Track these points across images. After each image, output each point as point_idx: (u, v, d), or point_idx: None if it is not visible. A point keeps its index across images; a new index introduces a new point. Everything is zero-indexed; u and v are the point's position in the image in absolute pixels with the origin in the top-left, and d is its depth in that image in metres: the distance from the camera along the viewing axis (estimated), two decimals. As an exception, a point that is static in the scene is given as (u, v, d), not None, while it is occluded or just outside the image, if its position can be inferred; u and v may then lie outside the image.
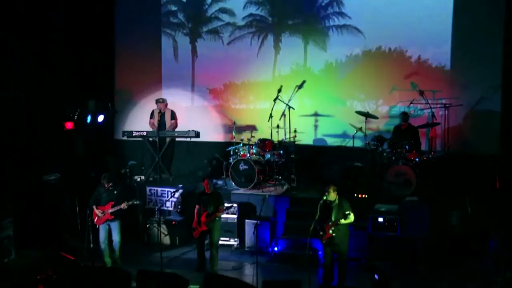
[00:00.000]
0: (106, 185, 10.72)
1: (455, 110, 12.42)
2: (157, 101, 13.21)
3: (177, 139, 13.26)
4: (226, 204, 11.66)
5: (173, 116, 13.23)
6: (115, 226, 10.75)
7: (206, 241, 10.92)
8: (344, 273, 9.89)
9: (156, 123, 13.20)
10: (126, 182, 12.78)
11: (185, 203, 12.15)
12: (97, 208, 10.68)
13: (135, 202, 10.65)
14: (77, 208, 12.05)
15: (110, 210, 10.62)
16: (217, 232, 10.77)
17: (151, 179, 13.14)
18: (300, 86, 13.41)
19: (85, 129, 13.23)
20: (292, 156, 12.67)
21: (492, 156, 12.09)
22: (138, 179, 13.15)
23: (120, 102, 14.85)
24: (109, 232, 10.82)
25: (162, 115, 13.18)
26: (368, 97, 13.37)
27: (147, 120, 13.43)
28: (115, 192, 10.75)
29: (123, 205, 10.60)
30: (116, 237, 10.78)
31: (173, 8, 14.77)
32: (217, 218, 10.73)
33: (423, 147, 12.31)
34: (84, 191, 12.22)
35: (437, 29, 12.64)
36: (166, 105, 13.25)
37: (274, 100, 12.77)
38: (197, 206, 10.76)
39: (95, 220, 10.73)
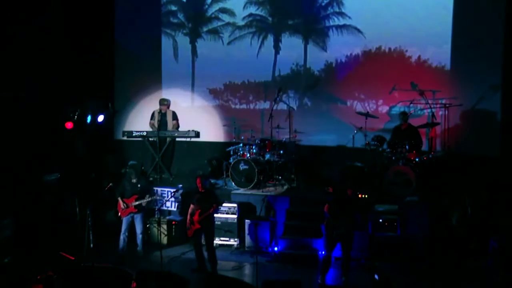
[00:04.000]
0: (133, 179, 11.10)
1: (455, 110, 12.43)
2: (162, 102, 13.19)
3: (177, 139, 13.26)
4: (226, 204, 11.67)
5: (175, 116, 13.23)
6: (138, 219, 11.13)
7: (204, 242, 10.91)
8: (348, 266, 10.05)
9: (156, 124, 13.19)
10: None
11: (185, 203, 12.14)
12: (122, 200, 11.04)
13: (152, 198, 11.11)
14: (77, 208, 12.05)
15: (134, 203, 10.97)
16: (211, 231, 10.75)
17: (151, 179, 13.13)
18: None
19: (85, 129, 13.22)
20: (292, 156, 12.69)
21: (492, 156, 12.09)
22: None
23: (120, 102, 14.85)
24: (131, 225, 11.16)
25: (163, 115, 13.18)
26: (368, 97, 13.37)
27: (147, 120, 13.43)
28: (139, 185, 11.10)
29: (145, 200, 11.00)
30: (138, 230, 11.17)
31: (173, 8, 14.78)
32: (210, 216, 10.67)
33: (423, 147, 12.31)
34: (84, 191, 12.24)
35: (437, 29, 12.65)
36: (169, 106, 13.27)
37: (274, 100, 12.78)
38: (191, 205, 10.74)
39: (120, 212, 11.09)
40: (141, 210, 11.18)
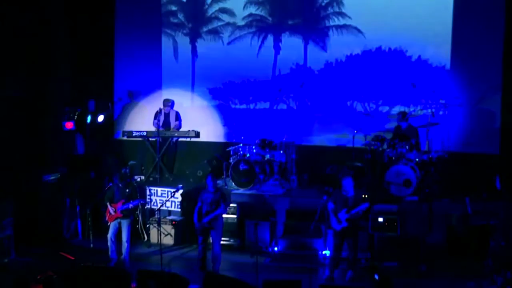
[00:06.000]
0: (119, 184, 10.95)
1: (455, 110, 12.43)
2: (165, 103, 13.18)
3: (177, 139, 13.27)
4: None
5: (178, 117, 13.24)
6: (124, 225, 10.92)
7: (209, 241, 10.90)
8: (354, 262, 10.18)
9: (160, 124, 13.19)
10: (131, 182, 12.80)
11: (186, 203, 12.15)
12: (110, 206, 10.87)
13: (141, 202, 10.87)
14: (77, 208, 12.06)
15: (120, 208, 10.81)
16: (219, 231, 10.76)
17: (151, 179, 13.14)
18: (300, 86, 13.43)
19: (85, 129, 13.23)
20: (292, 156, 12.69)
21: (492, 156, 12.09)
22: (138, 179, 13.15)
23: (120, 102, 14.85)
24: (119, 230, 10.97)
25: (166, 115, 13.19)
26: (368, 97, 13.37)
27: (147, 120, 13.43)
28: (127, 190, 10.95)
29: (130, 205, 10.82)
30: (124, 236, 10.93)
31: (173, 8, 14.78)
32: (219, 216, 10.68)
33: (423, 147, 12.31)
34: (84, 191, 12.25)
35: (437, 29, 12.64)
36: (172, 106, 13.27)
37: (274, 100, 12.79)
38: (198, 204, 10.74)
39: (107, 217, 10.92)
40: (128, 216, 10.95)
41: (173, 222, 12.10)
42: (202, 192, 10.82)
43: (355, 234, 10.24)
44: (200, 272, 10.38)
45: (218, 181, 12.86)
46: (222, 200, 10.56)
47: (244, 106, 14.31)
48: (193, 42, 14.58)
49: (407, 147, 11.66)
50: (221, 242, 11.58)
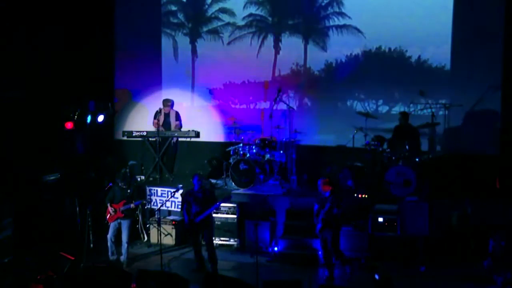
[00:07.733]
0: (121, 184, 10.97)
1: (455, 110, 12.42)
2: (165, 103, 13.17)
3: (177, 139, 13.27)
4: (226, 204, 11.65)
5: (178, 117, 13.24)
6: (125, 225, 10.94)
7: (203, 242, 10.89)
8: (338, 255, 10.19)
9: (160, 123, 13.20)
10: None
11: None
12: (111, 206, 10.90)
13: (143, 201, 10.87)
14: (77, 208, 12.05)
15: (122, 208, 10.82)
16: (211, 230, 10.74)
17: (151, 179, 13.14)
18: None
19: (85, 129, 13.22)
20: (292, 156, 12.69)
21: (492, 156, 12.09)
22: (138, 179, 13.15)
23: (120, 102, 14.85)
24: (119, 231, 10.98)
25: (166, 115, 13.20)
26: (368, 97, 13.38)
27: (147, 120, 13.43)
28: (129, 191, 11.00)
29: (132, 205, 10.83)
30: (124, 237, 10.95)
31: (173, 8, 14.79)
32: (210, 216, 10.66)
33: (423, 147, 12.30)
34: (84, 191, 12.24)
35: (437, 29, 12.65)
36: (172, 106, 13.27)
37: (274, 100, 12.79)
38: (185, 205, 10.71)
39: (107, 217, 10.96)
40: (129, 216, 10.98)
41: (173, 222, 12.10)
42: (189, 193, 10.80)
43: (331, 230, 10.07)
44: (200, 272, 10.37)
45: (218, 181, 12.91)
46: (212, 199, 10.56)
47: (244, 106, 14.30)
48: (193, 42, 14.59)
49: (407, 147, 11.65)
50: (221, 242, 11.62)
